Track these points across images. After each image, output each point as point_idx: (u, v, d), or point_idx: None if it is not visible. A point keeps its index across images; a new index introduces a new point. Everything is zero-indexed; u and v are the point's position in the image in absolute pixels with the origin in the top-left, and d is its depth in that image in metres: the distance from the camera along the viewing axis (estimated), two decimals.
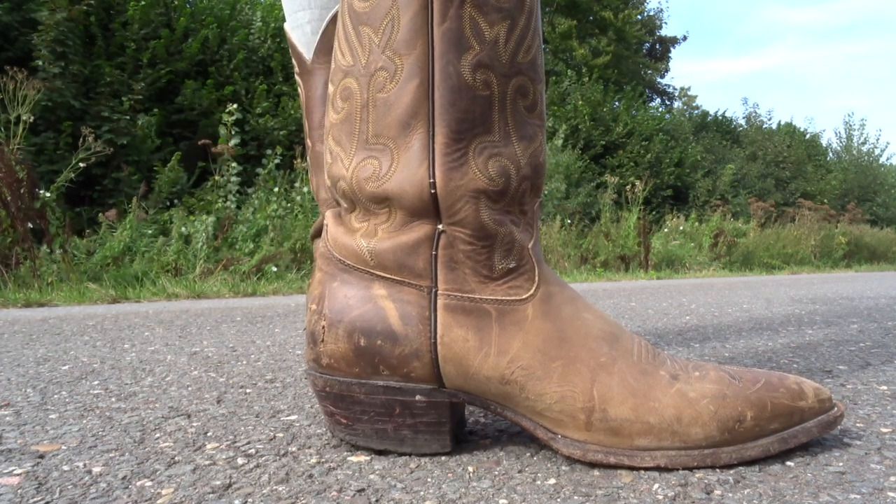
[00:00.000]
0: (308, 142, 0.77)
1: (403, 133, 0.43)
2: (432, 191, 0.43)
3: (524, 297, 0.46)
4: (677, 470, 0.44)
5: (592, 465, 0.45)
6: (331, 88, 0.47)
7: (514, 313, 0.45)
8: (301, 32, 0.73)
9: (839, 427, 0.54)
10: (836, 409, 0.48)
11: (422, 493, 0.41)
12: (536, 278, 0.46)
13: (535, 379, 0.44)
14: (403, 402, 0.46)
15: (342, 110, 0.46)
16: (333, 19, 0.70)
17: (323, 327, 0.47)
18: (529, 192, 0.47)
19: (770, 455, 0.45)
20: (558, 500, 0.39)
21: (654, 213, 6.47)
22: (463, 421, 0.51)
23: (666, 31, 15.26)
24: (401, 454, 0.48)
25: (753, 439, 0.45)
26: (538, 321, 0.45)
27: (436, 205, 0.44)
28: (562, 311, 0.46)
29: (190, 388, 0.73)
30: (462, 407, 0.50)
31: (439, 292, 0.45)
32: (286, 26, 0.76)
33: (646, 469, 0.44)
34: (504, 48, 0.43)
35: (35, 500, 0.40)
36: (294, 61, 0.76)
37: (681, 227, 5.65)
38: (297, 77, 0.77)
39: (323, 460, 0.47)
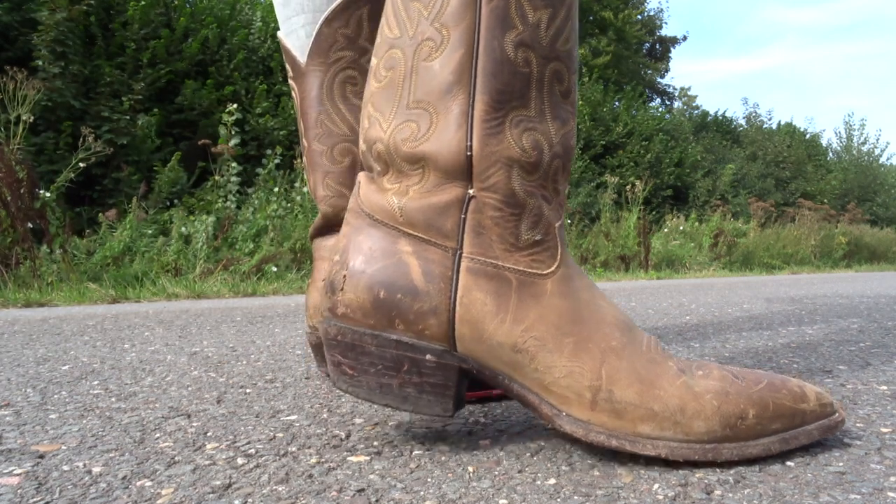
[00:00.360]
0: (304, 142, 0.77)
1: (444, 98, 0.45)
2: (468, 153, 0.45)
3: (545, 272, 0.47)
4: (677, 470, 0.44)
5: (594, 446, 0.45)
6: (374, 62, 0.49)
7: (533, 286, 0.46)
8: (296, 37, 0.74)
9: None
10: (837, 414, 0.48)
11: (422, 493, 0.41)
12: (559, 257, 0.48)
13: (547, 351, 0.45)
14: (413, 360, 0.46)
15: (384, 79, 0.47)
16: (326, 22, 0.72)
17: (344, 276, 0.47)
18: (561, 172, 0.49)
19: (771, 454, 0.45)
20: (558, 500, 0.39)
21: (654, 213, 6.47)
22: (462, 401, 0.50)
23: (666, 31, 15.26)
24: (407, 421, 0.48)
25: (755, 438, 0.45)
26: (556, 298, 0.46)
27: (469, 168, 0.45)
28: (579, 294, 0.47)
29: (190, 388, 0.73)
30: (465, 384, 0.49)
31: (464, 255, 0.46)
32: (280, 34, 0.77)
33: (647, 456, 0.44)
34: (545, 33, 0.45)
35: (35, 500, 0.40)
36: (288, 66, 0.77)
37: (681, 227, 5.65)
38: (290, 82, 0.77)
39: (323, 460, 0.47)
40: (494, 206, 0.46)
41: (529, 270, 0.46)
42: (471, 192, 0.46)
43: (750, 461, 0.45)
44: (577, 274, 0.48)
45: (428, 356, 0.46)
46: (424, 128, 0.46)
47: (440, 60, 0.45)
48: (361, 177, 0.51)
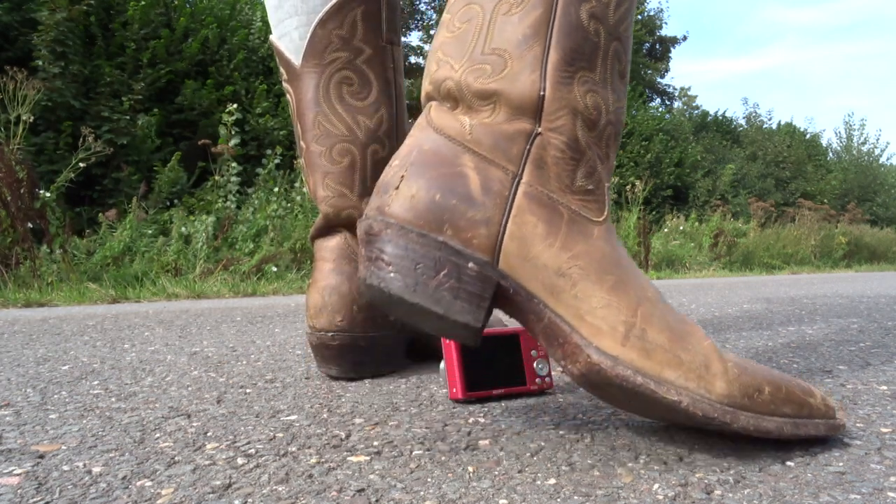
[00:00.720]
0: (301, 143, 0.77)
1: (520, 47, 0.47)
2: (541, 93, 0.47)
3: (594, 219, 0.49)
4: (677, 470, 0.44)
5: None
6: (445, 17, 0.51)
7: (583, 225, 0.48)
8: (289, 40, 0.74)
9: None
10: (838, 419, 0.49)
11: (422, 493, 0.41)
12: (605, 213, 0.50)
13: (589, 281, 0.47)
14: (455, 265, 0.46)
15: (458, 30, 0.49)
16: (320, 23, 0.72)
17: (402, 177, 0.48)
18: (613, 139, 0.51)
19: (784, 435, 0.46)
20: (558, 500, 0.39)
21: (654, 213, 6.47)
22: (483, 328, 0.50)
23: (666, 31, 15.22)
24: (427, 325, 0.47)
25: (769, 415, 0.46)
26: (601, 242, 0.48)
27: (540, 108, 0.47)
28: (620, 250, 0.50)
29: (190, 388, 0.73)
30: (492, 311, 0.50)
31: (522, 181, 0.48)
32: (272, 38, 0.76)
33: (669, 401, 0.44)
34: (613, 13, 0.48)
35: (35, 500, 0.40)
36: (282, 69, 0.76)
37: (681, 227, 5.65)
38: (285, 84, 0.77)
39: (323, 460, 0.47)
40: (558, 147, 0.48)
41: (580, 212, 0.49)
42: (538, 129, 0.48)
43: (750, 461, 0.45)
44: (616, 236, 0.51)
45: (470, 264, 0.46)
46: (499, 69, 0.47)
47: (519, 15, 0.47)
48: (432, 103, 0.52)
